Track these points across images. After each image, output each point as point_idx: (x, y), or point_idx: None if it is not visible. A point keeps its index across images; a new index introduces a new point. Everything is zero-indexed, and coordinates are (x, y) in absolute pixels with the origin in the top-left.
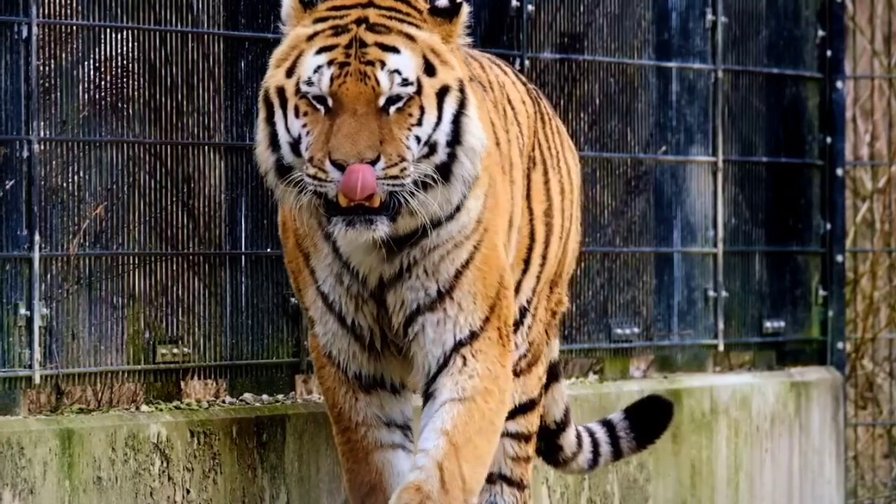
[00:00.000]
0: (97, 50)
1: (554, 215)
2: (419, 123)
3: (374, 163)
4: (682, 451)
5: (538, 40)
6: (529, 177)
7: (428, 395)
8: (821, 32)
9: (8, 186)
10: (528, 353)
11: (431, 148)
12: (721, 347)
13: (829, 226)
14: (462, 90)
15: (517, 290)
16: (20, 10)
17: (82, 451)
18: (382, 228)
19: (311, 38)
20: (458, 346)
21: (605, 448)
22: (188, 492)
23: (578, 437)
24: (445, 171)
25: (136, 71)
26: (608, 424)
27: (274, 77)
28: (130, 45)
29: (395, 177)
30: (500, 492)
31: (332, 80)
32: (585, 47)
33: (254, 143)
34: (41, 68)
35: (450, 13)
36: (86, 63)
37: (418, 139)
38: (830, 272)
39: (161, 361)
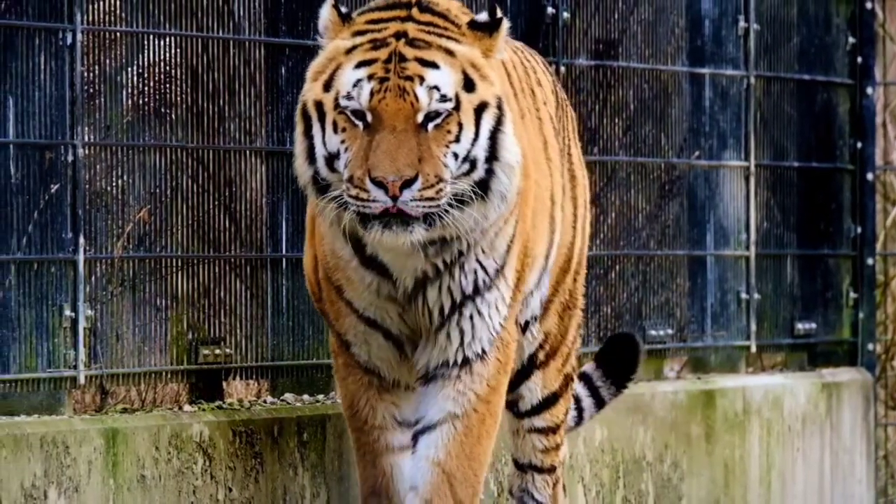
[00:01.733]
0: (140, 56)
1: (564, 206)
2: (457, 140)
3: (412, 181)
4: (715, 450)
5: (573, 47)
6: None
7: (429, 379)
8: (851, 39)
9: (53, 190)
10: (544, 343)
11: (472, 164)
12: (753, 349)
13: (859, 229)
14: (500, 106)
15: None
16: (65, 17)
17: (126, 450)
18: (419, 231)
19: (349, 51)
20: (496, 331)
21: (587, 402)
22: (230, 490)
23: None
24: (483, 187)
25: (178, 77)
26: (584, 377)
27: (311, 91)
28: (173, 51)
29: (431, 198)
30: (532, 480)
31: (371, 94)
32: (620, 54)
33: (292, 156)
34: (85, 74)
35: (490, 27)
36: (129, 69)
37: (456, 156)
38: (861, 275)
39: (203, 362)
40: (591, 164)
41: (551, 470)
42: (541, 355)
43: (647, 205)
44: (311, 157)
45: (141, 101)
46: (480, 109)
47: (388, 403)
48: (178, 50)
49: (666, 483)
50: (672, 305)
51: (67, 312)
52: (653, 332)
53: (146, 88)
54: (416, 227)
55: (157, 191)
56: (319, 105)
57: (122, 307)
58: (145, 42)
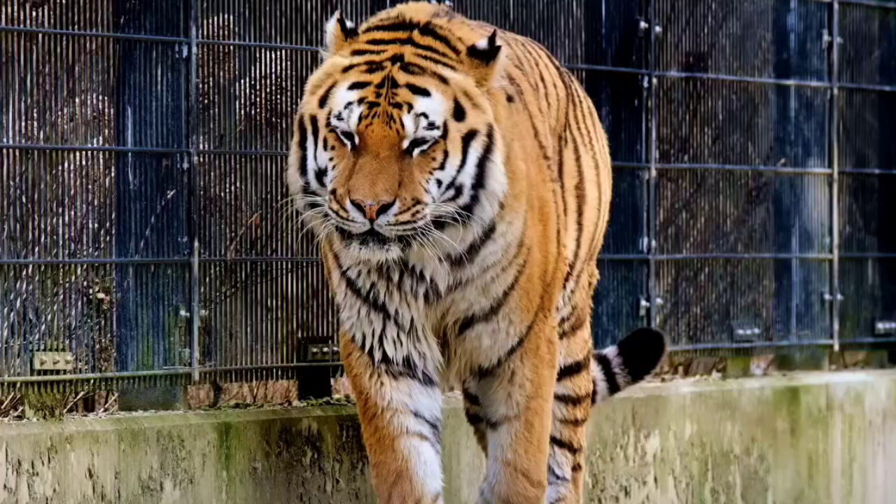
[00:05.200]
0: (253, 68)
1: (586, 188)
2: (441, 167)
3: (389, 206)
4: (799, 444)
5: (665, 60)
6: (561, 153)
7: (474, 389)
8: None
9: (169, 196)
10: (571, 315)
11: (457, 190)
12: (836, 347)
13: None
14: (490, 135)
15: None
16: (181, 31)
17: (239, 443)
18: (395, 250)
19: (346, 70)
20: (510, 352)
21: (601, 386)
22: (337, 482)
23: None
24: (466, 214)
25: (289, 88)
26: (603, 360)
27: (308, 104)
28: (284, 63)
29: (407, 221)
30: (553, 453)
31: (360, 119)
32: (709, 66)
33: (286, 165)
34: (200, 86)
35: (487, 56)
36: (242, 81)
37: (439, 182)
38: None
39: (312, 360)
40: (682, 171)
41: (571, 447)
42: (565, 326)
43: (735, 210)
44: (303, 167)
45: (253, 112)
46: (469, 137)
47: (397, 387)
48: (289, 62)
49: (752, 475)
50: (759, 306)
51: (182, 312)
52: (740, 332)
53: (258, 99)
54: (393, 246)
55: (269, 197)
56: (314, 120)
57: (234, 307)
58: (257, 55)
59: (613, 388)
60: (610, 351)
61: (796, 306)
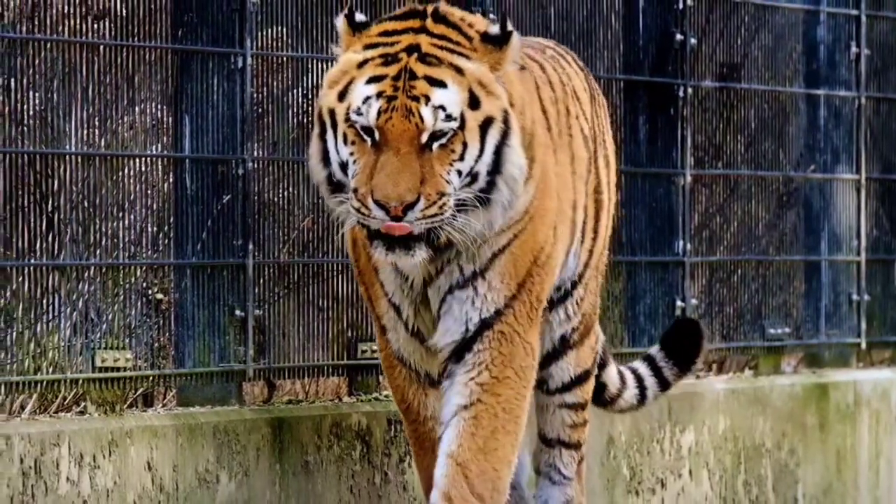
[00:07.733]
0: (305, 78)
1: (602, 190)
2: (461, 158)
3: (413, 204)
4: (828, 439)
5: (700, 70)
6: (596, 161)
7: (447, 377)
8: None
9: (225, 201)
10: (580, 324)
11: (473, 177)
12: (864, 346)
13: None
14: (506, 121)
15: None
16: (236, 42)
17: (291, 438)
18: (420, 254)
19: (361, 65)
20: (482, 326)
21: (650, 381)
22: (386, 475)
23: (621, 374)
24: (484, 198)
25: None
26: (649, 359)
27: (327, 98)
28: None
29: (434, 215)
30: (559, 454)
31: (379, 113)
32: (742, 76)
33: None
34: (255, 95)
35: (500, 41)
36: (295, 90)
37: (460, 172)
38: None
39: (361, 358)
40: (716, 177)
41: (577, 446)
42: (575, 336)
43: (766, 214)
44: (325, 159)
45: (305, 120)
46: (486, 125)
47: (438, 396)
48: None
49: (783, 468)
50: (789, 306)
51: (238, 312)
52: (772, 331)
53: (310, 108)
54: (417, 249)
55: (320, 201)
56: (333, 113)
57: (287, 307)
58: (309, 65)
59: (664, 384)
60: (654, 350)
61: (825, 306)
